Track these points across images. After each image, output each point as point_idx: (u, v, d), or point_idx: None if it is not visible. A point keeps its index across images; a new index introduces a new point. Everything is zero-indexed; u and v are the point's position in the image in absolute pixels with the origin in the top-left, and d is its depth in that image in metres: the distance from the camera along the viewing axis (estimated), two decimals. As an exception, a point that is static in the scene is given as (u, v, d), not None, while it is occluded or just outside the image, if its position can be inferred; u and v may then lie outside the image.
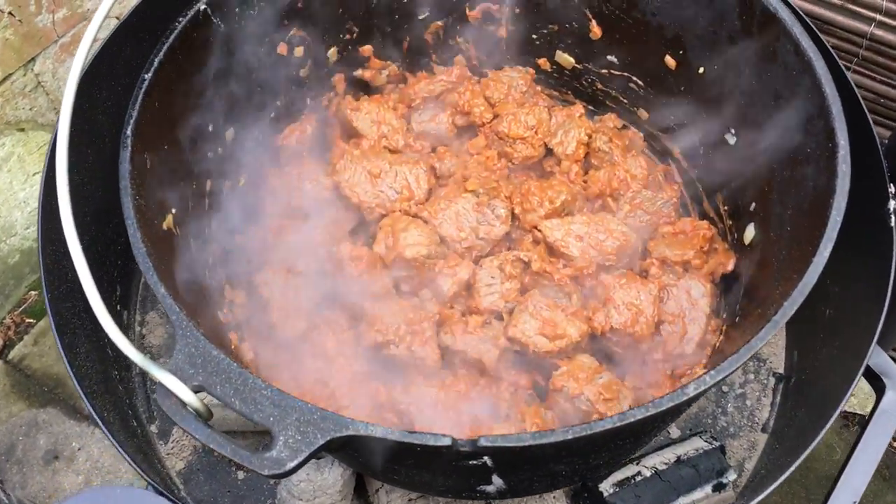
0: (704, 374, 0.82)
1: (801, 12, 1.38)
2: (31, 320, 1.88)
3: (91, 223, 1.22)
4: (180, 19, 1.08)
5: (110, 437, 0.96)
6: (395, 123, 1.40)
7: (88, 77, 1.16)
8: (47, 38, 1.69)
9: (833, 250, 0.89)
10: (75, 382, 1.00)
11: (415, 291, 1.26)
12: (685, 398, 0.80)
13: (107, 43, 1.19)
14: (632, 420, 0.79)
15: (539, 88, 1.46)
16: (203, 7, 1.10)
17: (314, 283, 1.26)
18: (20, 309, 1.89)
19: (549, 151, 1.38)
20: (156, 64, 1.03)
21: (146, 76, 1.02)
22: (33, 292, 1.91)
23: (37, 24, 1.64)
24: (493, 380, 1.19)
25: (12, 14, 1.57)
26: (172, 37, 1.06)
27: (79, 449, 1.66)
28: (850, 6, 1.46)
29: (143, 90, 1.01)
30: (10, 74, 1.67)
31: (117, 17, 1.51)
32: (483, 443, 0.78)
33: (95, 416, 0.98)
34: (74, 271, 0.79)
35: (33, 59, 1.70)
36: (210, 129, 1.16)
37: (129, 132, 0.98)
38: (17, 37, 1.62)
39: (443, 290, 1.23)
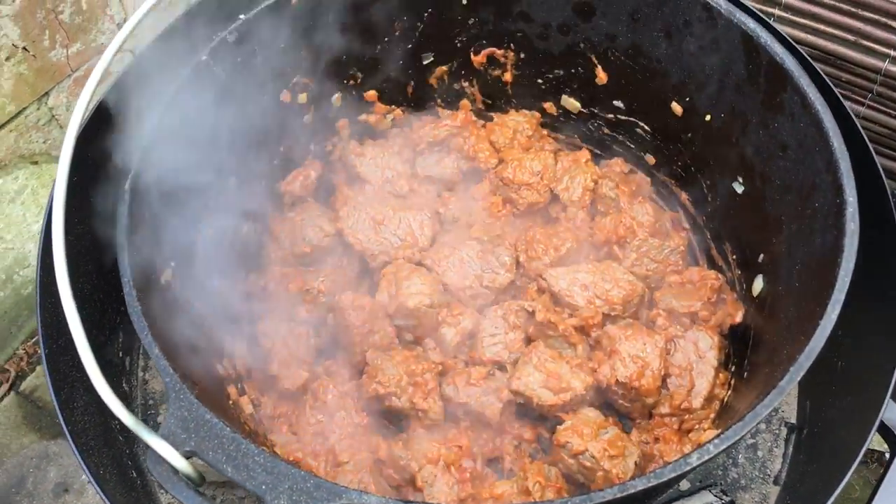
0: (709, 442, 0.79)
1: (814, 48, 1.38)
2: (44, 352, 1.88)
3: (93, 269, 1.21)
4: (182, 70, 1.08)
5: (104, 497, 0.95)
6: (399, 168, 1.40)
7: (97, 115, 1.14)
8: (61, 72, 1.71)
9: (844, 303, 0.87)
10: (70, 441, 0.99)
11: (417, 341, 1.24)
12: (688, 468, 0.78)
13: (120, 78, 1.19)
14: (633, 491, 0.77)
15: (545, 132, 1.45)
16: (204, 58, 1.10)
17: (316, 333, 1.25)
18: (33, 340, 1.89)
19: (555, 197, 1.36)
20: (156, 117, 1.03)
21: (148, 126, 1.02)
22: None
23: (50, 59, 1.66)
24: (496, 433, 1.17)
25: (26, 49, 1.59)
26: (174, 87, 1.06)
27: (88, 482, 1.65)
28: (865, 42, 1.44)
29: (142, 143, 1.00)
30: (24, 108, 1.68)
31: (131, 51, 1.52)
32: (479, 514, 0.76)
33: (89, 475, 0.97)
34: (66, 335, 0.78)
35: (47, 94, 1.71)
36: (214, 177, 1.16)
37: (127, 187, 0.97)
38: (31, 71, 1.63)
39: (446, 339, 1.22)
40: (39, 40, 1.61)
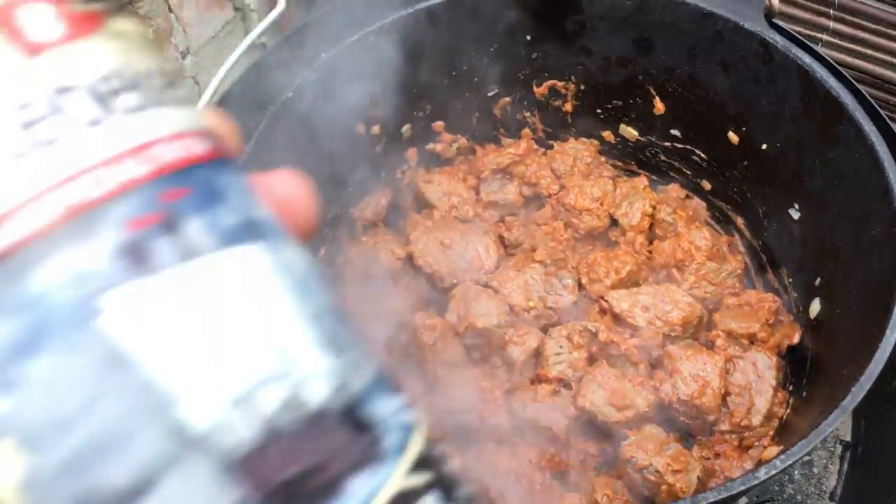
0: (775, 458, 0.85)
1: (861, 72, 1.42)
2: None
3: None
4: (270, 107, 1.16)
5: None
6: (464, 194, 1.47)
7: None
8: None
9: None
10: None
11: (485, 359, 1.31)
12: (756, 482, 0.83)
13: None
14: (705, 503, 0.82)
15: (603, 159, 1.52)
16: (290, 95, 1.18)
17: (388, 351, 1.32)
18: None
19: (615, 222, 1.42)
20: (245, 154, 1.11)
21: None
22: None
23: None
24: (562, 447, 1.23)
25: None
26: (262, 125, 1.15)
27: None
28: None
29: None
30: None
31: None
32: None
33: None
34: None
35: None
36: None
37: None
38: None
39: (513, 358, 1.28)
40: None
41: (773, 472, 0.84)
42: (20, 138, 0.24)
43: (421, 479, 0.27)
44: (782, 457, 0.84)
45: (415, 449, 0.28)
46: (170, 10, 1.61)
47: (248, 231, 0.27)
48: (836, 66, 1.17)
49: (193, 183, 0.26)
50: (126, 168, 0.25)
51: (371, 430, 0.27)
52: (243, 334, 0.26)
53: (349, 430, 0.26)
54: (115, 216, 0.24)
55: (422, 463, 0.28)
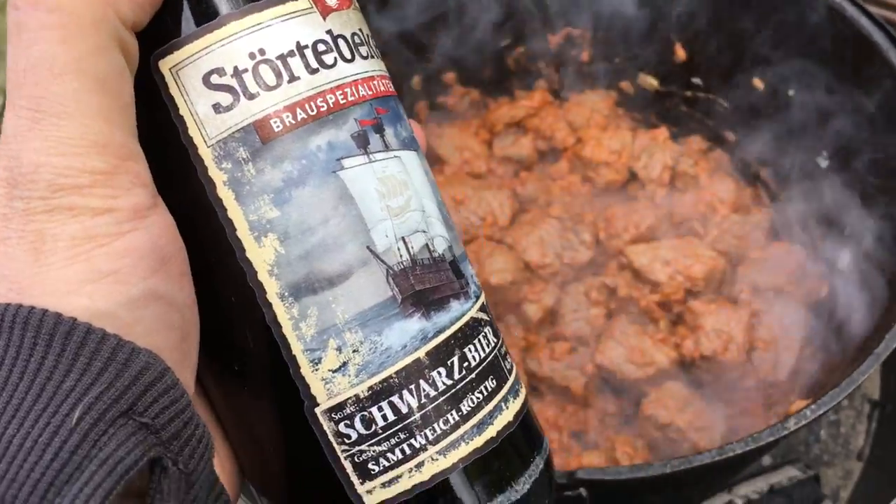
0: (805, 408, 0.80)
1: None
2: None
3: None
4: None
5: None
6: (477, 149, 1.42)
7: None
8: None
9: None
10: None
11: (500, 317, 1.27)
12: (785, 433, 0.79)
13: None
14: (731, 455, 0.78)
15: (621, 111, 1.46)
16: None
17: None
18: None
19: (634, 175, 1.37)
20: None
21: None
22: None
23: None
24: (580, 406, 1.19)
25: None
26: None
27: None
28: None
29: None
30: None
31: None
32: (580, 475, 0.78)
33: None
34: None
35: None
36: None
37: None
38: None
39: (528, 315, 1.24)
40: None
41: (804, 422, 0.79)
42: (315, 59, 0.40)
43: (485, 315, 0.46)
44: (813, 406, 0.80)
45: (483, 298, 0.46)
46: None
47: (412, 142, 0.45)
48: (867, 9, 1.11)
49: (389, 107, 0.43)
50: (361, 89, 0.41)
51: (463, 278, 0.44)
52: (408, 201, 0.42)
53: (453, 273, 0.44)
54: (353, 115, 0.41)
55: (484, 308, 0.46)
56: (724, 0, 1.23)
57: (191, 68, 0.38)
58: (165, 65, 0.38)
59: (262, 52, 0.38)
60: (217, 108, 0.38)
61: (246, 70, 0.38)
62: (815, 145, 1.20)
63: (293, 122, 0.39)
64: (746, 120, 1.32)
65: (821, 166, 1.20)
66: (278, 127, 0.38)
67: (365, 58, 0.42)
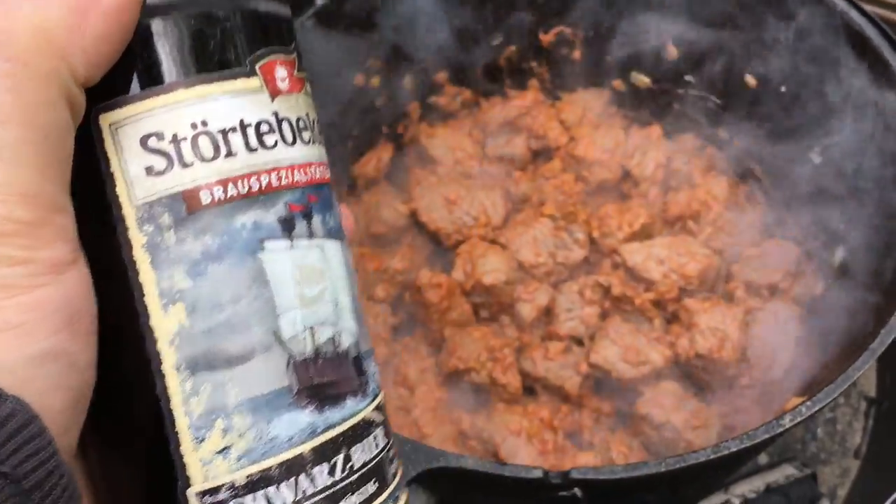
0: (800, 404, 0.80)
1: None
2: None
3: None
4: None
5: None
6: (469, 149, 1.41)
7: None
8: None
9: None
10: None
11: (494, 317, 1.26)
12: (781, 430, 0.78)
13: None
14: (726, 452, 0.77)
15: (614, 109, 1.45)
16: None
17: (393, 311, 1.28)
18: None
19: (627, 174, 1.37)
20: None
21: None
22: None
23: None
24: (575, 406, 1.18)
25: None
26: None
27: None
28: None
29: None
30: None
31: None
32: (575, 475, 0.77)
33: None
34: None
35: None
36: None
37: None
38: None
39: (522, 315, 1.23)
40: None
41: (799, 418, 0.79)
42: (256, 139, 0.39)
43: (380, 415, 0.45)
44: (808, 403, 0.79)
45: (381, 398, 0.45)
46: None
47: (338, 232, 0.44)
48: (858, 4, 1.11)
49: (322, 195, 0.43)
50: (297, 174, 0.41)
51: (364, 375, 0.43)
52: (322, 291, 0.41)
53: (355, 370, 0.43)
54: (284, 198, 0.40)
55: (380, 408, 0.45)
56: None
57: (130, 128, 0.38)
58: (106, 120, 0.38)
59: (204, 123, 0.38)
60: (149, 170, 0.38)
61: (185, 139, 0.38)
62: (808, 141, 1.19)
63: (223, 196, 0.38)
64: (739, 117, 1.32)
65: (814, 162, 1.19)
66: (207, 199, 0.38)
67: (306, 143, 0.42)
